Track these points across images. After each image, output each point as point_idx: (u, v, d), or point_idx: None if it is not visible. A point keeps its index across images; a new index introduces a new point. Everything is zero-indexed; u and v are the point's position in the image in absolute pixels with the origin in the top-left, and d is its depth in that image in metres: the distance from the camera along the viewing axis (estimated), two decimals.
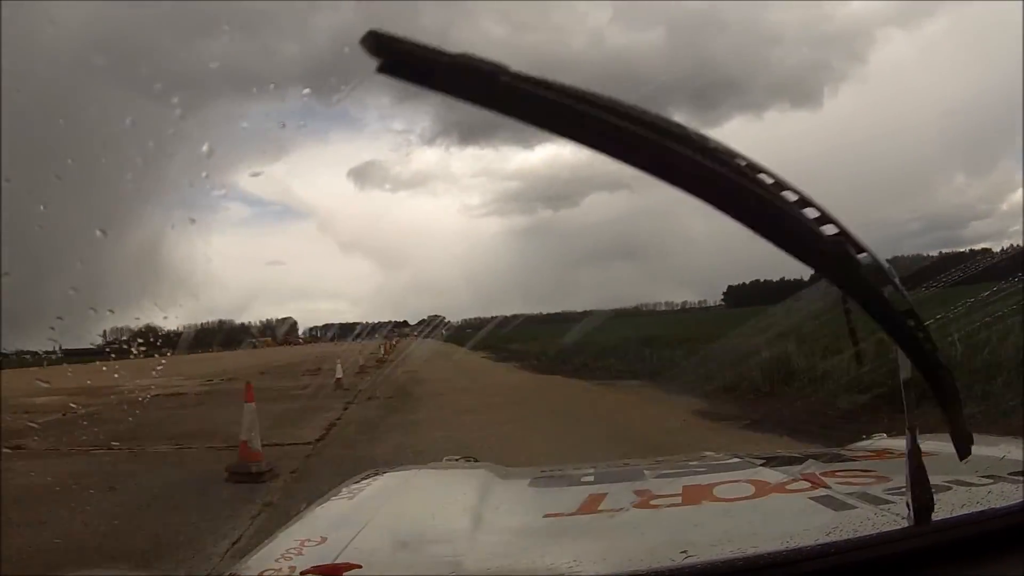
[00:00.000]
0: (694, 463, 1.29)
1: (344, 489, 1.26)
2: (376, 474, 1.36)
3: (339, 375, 14.23)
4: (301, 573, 0.86)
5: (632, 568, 0.77)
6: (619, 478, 1.23)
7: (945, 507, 0.78)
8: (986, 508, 0.79)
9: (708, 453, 1.36)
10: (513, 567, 0.85)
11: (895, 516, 0.81)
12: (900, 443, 1.20)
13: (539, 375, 16.60)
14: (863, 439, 1.52)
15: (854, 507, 0.87)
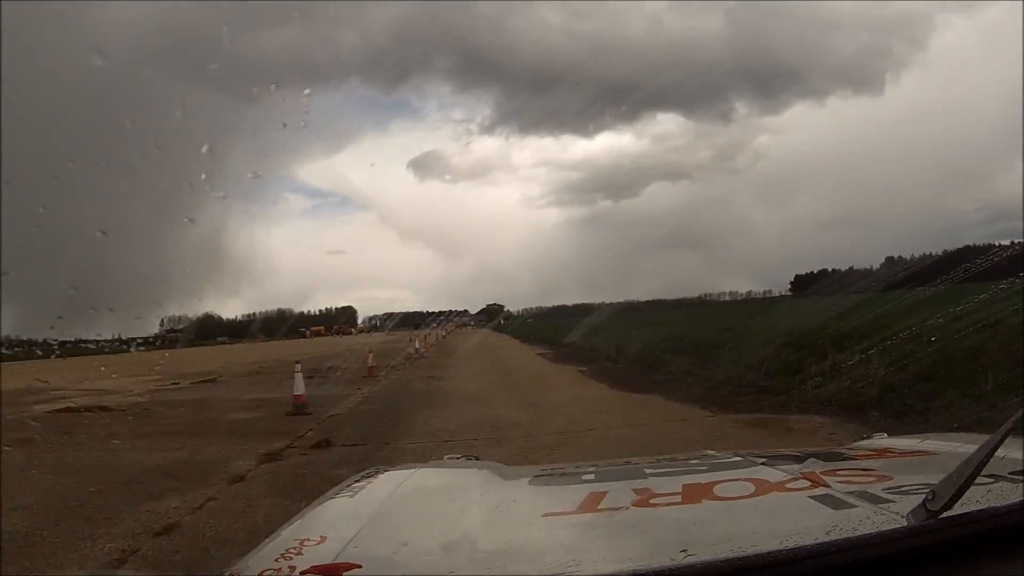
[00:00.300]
0: (695, 461, 1.31)
1: (344, 488, 1.30)
2: (376, 473, 1.40)
3: (297, 391, 10.19)
4: (301, 573, 0.86)
5: (631, 567, 0.79)
6: (619, 476, 1.26)
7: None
8: (986, 507, 0.81)
9: (709, 452, 1.39)
10: (513, 566, 0.88)
11: (894, 515, 0.84)
12: (901, 442, 1.36)
13: (624, 393, 9.52)
14: (864, 438, 1.52)
15: (854, 506, 0.90)
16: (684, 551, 0.78)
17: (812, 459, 1.26)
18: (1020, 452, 0.98)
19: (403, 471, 1.44)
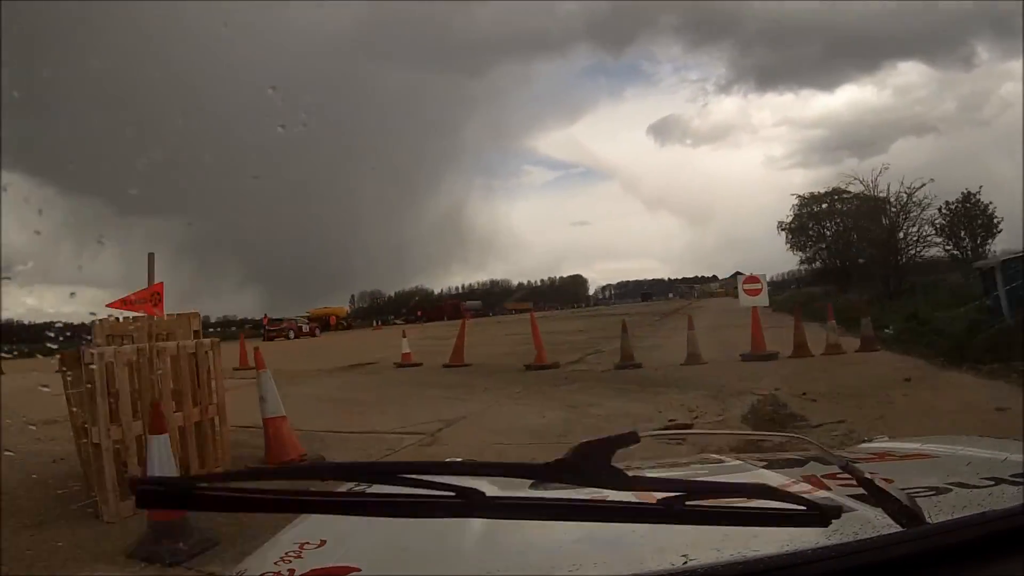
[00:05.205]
0: (695, 465, 1.29)
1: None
2: None
3: None
4: None
5: (632, 571, 0.79)
6: None
7: (946, 509, 0.81)
8: (987, 510, 0.81)
9: (710, 455, 1.37)
10: (513, 570, 0.88)
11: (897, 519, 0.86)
12: (901, 445, 1.31)
13: None
14: (865, 441, 1.51)
15: (855, 510, 0.90)
16: (685, 556, 0.78)
17: (813, 462, 1.26)
18: (1020, 454, 0.95)
19: None
